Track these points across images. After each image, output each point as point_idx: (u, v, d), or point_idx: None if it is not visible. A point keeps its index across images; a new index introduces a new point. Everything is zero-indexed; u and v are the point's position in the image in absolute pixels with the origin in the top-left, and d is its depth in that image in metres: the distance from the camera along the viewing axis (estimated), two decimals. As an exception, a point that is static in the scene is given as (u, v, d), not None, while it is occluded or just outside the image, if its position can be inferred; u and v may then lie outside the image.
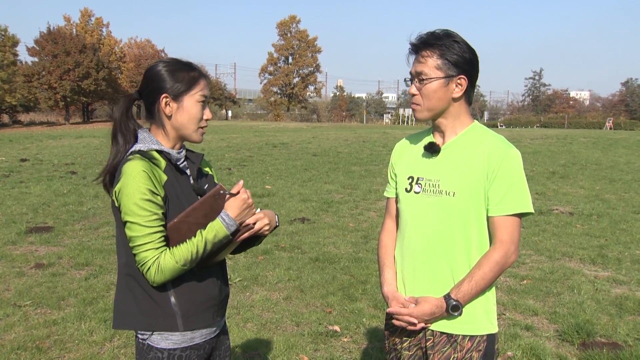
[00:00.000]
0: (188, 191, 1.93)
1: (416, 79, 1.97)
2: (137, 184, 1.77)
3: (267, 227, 1.97)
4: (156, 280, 1.81)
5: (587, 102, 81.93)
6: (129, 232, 1.81)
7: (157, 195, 1.81)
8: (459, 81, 1.93)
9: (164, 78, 1.90)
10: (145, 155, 1.86)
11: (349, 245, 6.89)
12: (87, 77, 47.16)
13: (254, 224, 1.94)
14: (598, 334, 4.25)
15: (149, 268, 1.79)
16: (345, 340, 4.17)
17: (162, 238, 1.82)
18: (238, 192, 1.88)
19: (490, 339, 2.00)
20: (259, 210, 2.00)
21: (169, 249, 1.82)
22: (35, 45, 47.56)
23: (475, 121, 2.07)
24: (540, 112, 70.95)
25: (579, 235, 7.44)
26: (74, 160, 16.12)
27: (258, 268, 5.83)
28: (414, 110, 2.02)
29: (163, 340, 1.88)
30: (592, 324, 4.38)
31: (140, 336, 1.91)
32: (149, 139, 1.92)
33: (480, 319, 1.99)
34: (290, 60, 69.72)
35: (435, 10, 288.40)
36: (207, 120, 1.99)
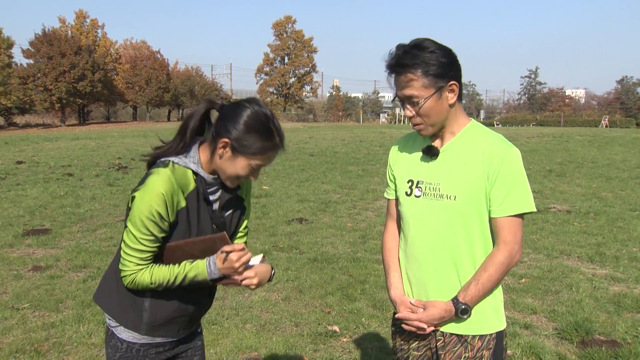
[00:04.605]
0: (205, 219, 1.91)
1: (408, 102, 1.91)
2: (150, 203, 1.77)
3: (253, 287, 1.93)
4: (127, 287, 1.88)
5: (582, 100, 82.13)
6: (124, 236, 1.84)
7: (165, 221, 1.81)
8: (450, 88, 1.89)
9: (238, 126, 1.80)
10: (176, 173, 1.83)
11: (347, 245, 6.89)
12: (83, 78, 47.09)
13: (242, 280, 1.90)
14: (597, 331, 4.26)
15: (125, 276, 1.86)
16: (344, 340, 4.17)
17: (150, 257, 1.85)
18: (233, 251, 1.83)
19: (499, 335, 2.02)
20: (258, 259, 1.95)
21: (152, 266, 1.85)
22: (30, 47, 47.46)
23: (472, 120, 2.04)
24: (536, 111, 71.11)
25: (577, 234, 7.45)
26: (70, 162, 16.08)
27: (256, 269, 5.82)
28: (418, 130, 1.98)
29: (125, 332, 1.95)
30: (590, 322, 4.39)
31: (108, 320, 2.00)
32: (192, 156, 1.88)
33: (489, 317, 2.00)
34: (286, 60, 69.73)
35: (430, 9, 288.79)
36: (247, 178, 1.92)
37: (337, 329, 4.34)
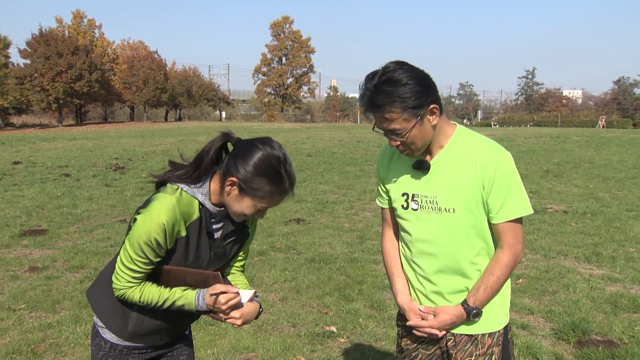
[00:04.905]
0: (204, 248, 1.92)
1: (391, 134, 1.88)
2: (150, 230, 1.77)
3: (236, 325, 1.92)
4: (117, 298, 1.92)
5: (579, 101, 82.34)
6: (121, 251, 1.87)
7: (163, 248, 1.83)
8: (431, 111, 1.86)
9: (247, 167, 1.77)
10: (181, 201, 1.82)
11: (344, 245, 6.89)
12: (80, 78, 47.04)
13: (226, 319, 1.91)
14: (593, 332, 4.27)
15: (116, 288, 1.90)
16: (342, 340, 4.17)
17: (144, 277, 1.88)
18: (223, 293, 1.83)
19: (505, 329, 2.05)
20: (248, 295, 1.93)
21: (144, 284, 1.87)
22: (27, 47, 47.39)
23: (457, 125, 2.01)
24: (534, 111, 71.27)
25: (574, 234, 7.46)
26: (67, 163, 16.05)
27: (254, 269, 5.82)
28: (406, 155, 1.97)
29: (109, 333, 1.99)
30: (587, 322, 4.40)
31: (95, 319, 2.05)
32: (203, 188, 1.87)
33: (497, 315, 2.03)
34: (283, 60, 69.77)
35: (428, 9, 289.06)
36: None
37: (335, 330, 4.34)
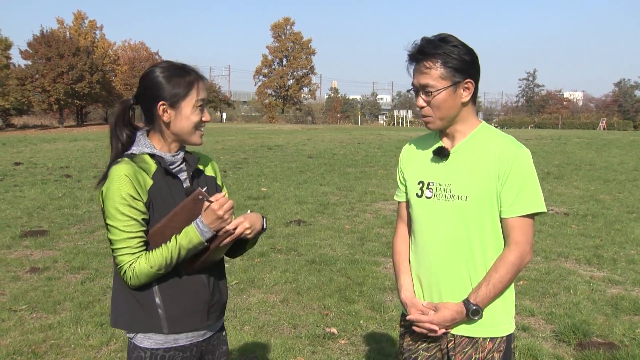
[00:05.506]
0: (179, 195, 1.92)
1: (422, 92, 1.93)
2: (117, 189, 1.80)
3: (248, 232, 1.90)
4: (132, 284, 1.86)
5: (580, 103, 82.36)
6: (108, 235, 1.85)
7: (138, 200, 1.82)
8: (466, 85, 1.91)
9: (161, 85, 1.90)
10: (133, 159, 1.88)
11: (345, 247, 6.89)
12: (81, 80, 47.03)
13: (235, 229, 1.87)
14: (594, 334, 4.26)
15: (125, 272, 1.84)
16: (342, 342, 4.17)
17: (141, 243, 1.84)
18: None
19: (509, 338, 2.02)
20: (249, 211, 1.98)
21: (146, 253, 1.84)
22: (28, 48, 47.41)
23: (483, 122, 2.05)
24: (534, 113, 71.28)
25: (575, 236, 7.46)
26: (68, 164, 16.06)
27: (254, 271, 5.82)
28: (426, 122, 1.98)
29: (146, 339, 1.91)
30: (588, 324, 4.40)
31: (127, 334, 1.95)
32: (143, 142, 1.94)
33: (500, 320, 2.00)
34: (284, 62, 69.83)
35: (429, 11, 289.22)
36: (205, 122, 2.00)
37: (335, 331, 4.34)
